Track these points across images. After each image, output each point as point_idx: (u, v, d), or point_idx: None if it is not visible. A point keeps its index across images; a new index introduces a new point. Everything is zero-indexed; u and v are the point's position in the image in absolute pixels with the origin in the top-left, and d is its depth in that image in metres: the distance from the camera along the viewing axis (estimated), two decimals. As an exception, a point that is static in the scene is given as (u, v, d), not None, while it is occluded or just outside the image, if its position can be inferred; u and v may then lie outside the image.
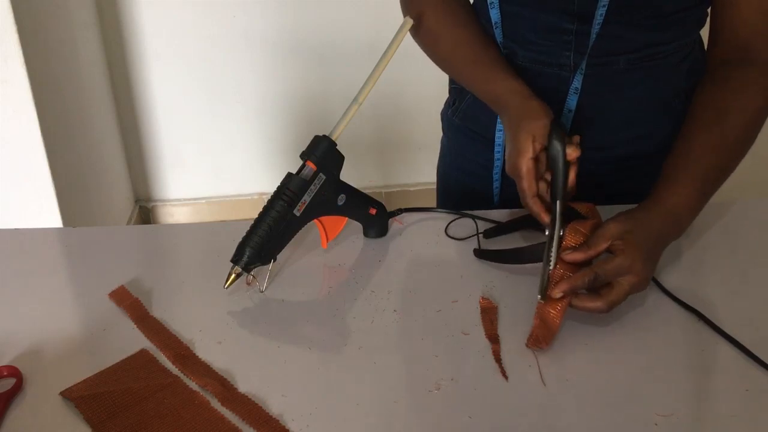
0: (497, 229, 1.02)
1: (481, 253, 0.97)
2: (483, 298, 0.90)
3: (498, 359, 0.81)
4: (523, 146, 0.91)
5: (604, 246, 0.84)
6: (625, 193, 1.05)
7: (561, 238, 0.86)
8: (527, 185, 0.91)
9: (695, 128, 0.95)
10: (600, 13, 0.96)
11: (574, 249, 0.85)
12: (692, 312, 0.87)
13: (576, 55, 1.02)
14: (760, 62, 0.97)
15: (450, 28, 1.07)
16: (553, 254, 0.85)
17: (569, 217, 0.89)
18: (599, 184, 1.07)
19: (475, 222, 1.05)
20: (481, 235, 1.02)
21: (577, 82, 1.02)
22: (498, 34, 1.06)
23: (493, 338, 0.84)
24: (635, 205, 0.89)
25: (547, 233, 0.88)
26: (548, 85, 1.05)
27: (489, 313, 0.87)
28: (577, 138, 0.91)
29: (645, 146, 1.09)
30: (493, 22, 1.05)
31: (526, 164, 0.91)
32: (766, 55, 0.96)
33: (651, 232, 0.85)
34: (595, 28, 0.98)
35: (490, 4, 1.04)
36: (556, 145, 0.89)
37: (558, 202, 0.88)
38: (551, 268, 0.85)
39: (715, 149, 0.92)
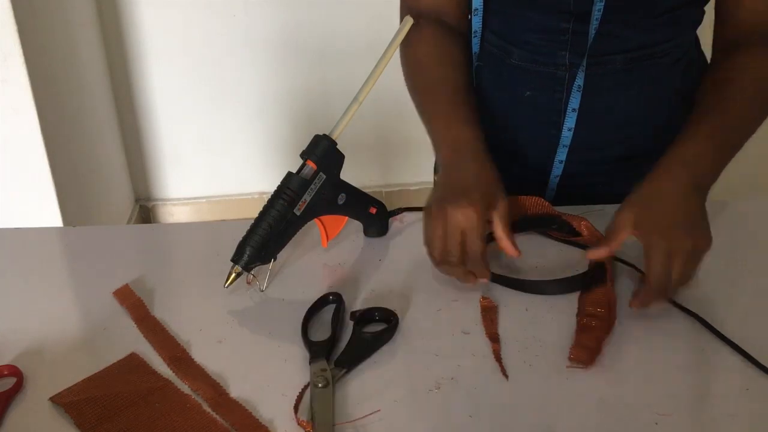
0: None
1: (494, 278, 0.91)
2: (483, 297, 0.90)
3: (498, 359, 0.80)
4: (472, 222, 0.85)
5: (624, 236, 0.84)
6: (622, 192, 1.05)
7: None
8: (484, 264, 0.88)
9: (706, 92, 0.97)
10: (598, 8, 0.97)
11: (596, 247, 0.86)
12: (690, 315, 0.87)
13: (572, 54, 1.02)
14: (765, 42, 0.98)
15: (431, 65, 1.06)
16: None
17: (561, 226, 0.92)
18: (597, 184, 1.07)
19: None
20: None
21: (579, 80, 1.02)
22: (475, 43, 1.06)
23: (494, 337, 0.83)
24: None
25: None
26: (544, 84, 1.05)
27: (489, 313, 0.87)
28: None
29: (642, 145, 1.09)
30: (473, 30, 1.05)
31: (481, 247, 0.86)
32: None
33: (668, 198, 0.86)
34: (594, 24, 0.98)
35: (474, 11, 1.04)
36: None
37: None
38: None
39: (730, 104, 0.94)
